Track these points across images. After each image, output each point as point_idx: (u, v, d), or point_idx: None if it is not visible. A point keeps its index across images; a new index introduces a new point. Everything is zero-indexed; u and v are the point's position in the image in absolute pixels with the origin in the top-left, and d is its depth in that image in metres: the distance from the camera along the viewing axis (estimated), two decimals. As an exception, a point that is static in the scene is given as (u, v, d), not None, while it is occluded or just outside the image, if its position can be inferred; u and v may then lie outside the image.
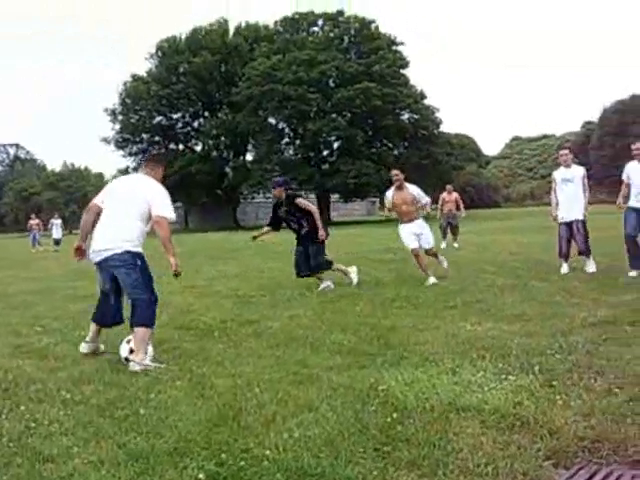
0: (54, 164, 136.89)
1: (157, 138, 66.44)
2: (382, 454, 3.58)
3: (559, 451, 3.51)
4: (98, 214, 6.45)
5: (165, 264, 6.37)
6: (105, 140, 64.86)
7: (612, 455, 3.46)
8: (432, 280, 10.66)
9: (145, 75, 65.31)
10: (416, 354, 5.76)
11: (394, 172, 10.92)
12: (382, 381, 4.89)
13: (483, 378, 4.84)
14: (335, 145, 58.54)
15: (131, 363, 5.87)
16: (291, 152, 59.24)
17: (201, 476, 3.36)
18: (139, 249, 6.33)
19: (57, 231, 34.65)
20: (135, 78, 64.82)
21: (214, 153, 64.77)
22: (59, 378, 5.60)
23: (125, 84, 64.67)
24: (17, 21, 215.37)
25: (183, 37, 64.62)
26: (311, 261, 10.84)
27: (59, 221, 35.64)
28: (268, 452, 3.62)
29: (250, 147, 64.00)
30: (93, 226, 6.42)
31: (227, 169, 64.54)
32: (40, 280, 15.24)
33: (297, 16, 61.62)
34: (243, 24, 65.49)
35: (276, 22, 63.56)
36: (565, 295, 8.69)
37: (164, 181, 6.97)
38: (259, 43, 60.15)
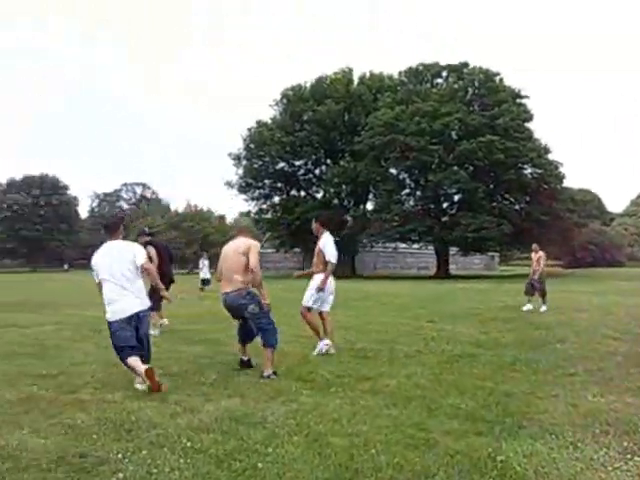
0: (178, 204, 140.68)
1: (279, 184, 67.47)
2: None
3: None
4: None
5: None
6: (229, 184, 66.33)
7: None
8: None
9: (270, 122, 66.66)
10: (535, 424, 5.64)
11: None
12: (500, 451, 4.81)
13: (607, 456, 4.69)
14: (455, 198, 57.95)
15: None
16: (411, 203, 59.00)
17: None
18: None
19: (205, 271, 33.78)
20: (260, 124, 66.18)
21: (335, 201, 65.26)
22: (179, 424, 5.72)
23: (250, 130, 66.16)
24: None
25: (308, 85, 65.75)
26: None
27: (207, 261, 34.80)
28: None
29: (370, 196, 64.21)
30: None
31: (348, 217, 64.87)
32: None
33: (421, 67, 61.76)
34: (367, 74, 66.01)
35: (400, 72, 63.78)
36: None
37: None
38: (382, 93, 60.47)
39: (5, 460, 4.72)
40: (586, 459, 4.63)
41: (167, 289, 11.30)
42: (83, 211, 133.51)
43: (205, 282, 32.65)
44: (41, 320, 15.57)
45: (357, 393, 6.98)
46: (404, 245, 61.95)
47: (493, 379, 7.74)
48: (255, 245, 8.38)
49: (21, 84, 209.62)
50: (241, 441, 5.19)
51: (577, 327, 13.38)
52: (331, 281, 10.12)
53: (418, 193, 58.51)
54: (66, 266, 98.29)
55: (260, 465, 4.55)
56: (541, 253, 18.89)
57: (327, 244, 10.04)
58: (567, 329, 13.05)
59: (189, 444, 5.10)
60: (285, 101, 66.29)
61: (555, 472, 4.36)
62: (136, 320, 7.38)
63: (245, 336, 8.72)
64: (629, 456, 4.69)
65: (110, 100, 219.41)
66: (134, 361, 7.17)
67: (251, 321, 8.38)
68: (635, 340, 11.19)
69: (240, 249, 8.33)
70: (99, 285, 7.53)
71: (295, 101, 64.16)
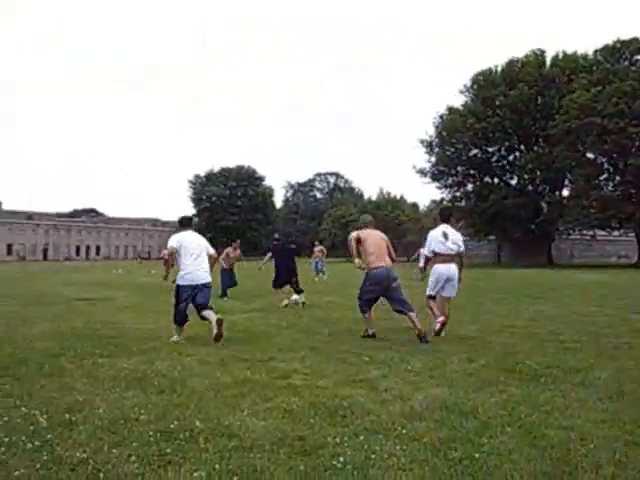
0: (371, 192, 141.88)
1: (472, 171, 66.85)
2: None
3: None
4: None
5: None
6: (421, 172, 66.38)
7: None
8: None
9: (461, 108, 66.01)
10: None
11: None
12: None
13: None
14: (660, 182, 55.20)
15: None
16: (610, 188, 56.75)
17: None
18: None
19: (423, 261, 33.02)
20: (451, 110, 65.76)
21: (529, 187, 63.93)
22: (391, 411, 5.79)
23: (442, 116, 65.84)
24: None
25: (498, 69, 64.54)
26: None
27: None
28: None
29: (566, 182, 62.33)
30: None
31: (542, 204, 63.33)
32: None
33: (618, 44, 58.99)
34: (560, 54, 63.97)
35: (595, 51, 61.42)
36: None
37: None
38: (577, 74, 58.36)
39: (231, 439, 4.97)
40: None
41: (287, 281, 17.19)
42: (278, 201, 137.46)
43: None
44: (245, 307, 16.26)
45: (567, 385, 6.81)
46: (603, 232, 59.63)
47: None
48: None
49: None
50: (454, 430, 5.20)
51: None
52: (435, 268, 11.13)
53: (617, 178, 56.25)
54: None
55: (476, 455, 4.54)
56: None
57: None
58: None
59: (404, 431, 5.15)
60: (475, 86, 65.51)
61: None
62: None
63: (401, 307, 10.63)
64: None
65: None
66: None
67: (396, 292, 10.63)
68: None
69: (384, 237, 11.13)
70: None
71: (486, 86, 63.36)
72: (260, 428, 5.27)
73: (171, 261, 11.47)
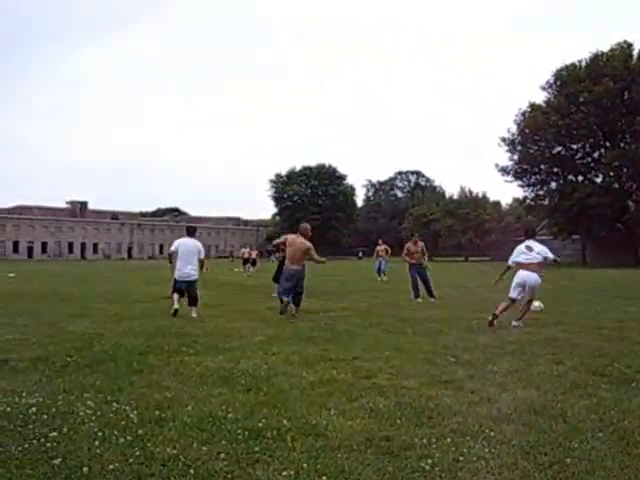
0: (452, 190, 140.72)
1: (555, 169, 65.72)
2: None
3: None
4: None
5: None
6: (504, 170, 65.55)
7: None
8: None
9: (543, 105, 64.91)
10: None
11: None
12: None
13: None
14: None
15: None
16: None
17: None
18: None
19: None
20: (534, 107, 64.72)
21: (615, 185, 62.45)
22: (478, 413, 5.75)
23: (524, 114, 64.86)
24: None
25: (583, 64, 63.19)
26: None
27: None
28: None
29: (655, 180, 60.73)
30: None
31: (629, 202, 61.83)
32: (444, 308, 15.94)
33: None
34: (648, 46, 62.15)
35: (687, 42, 59.70)
36: None
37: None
38: (667, 66, 56.81)
39: (318, 438, 5.00)
40: None
41: None
42: (359, 200, 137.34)
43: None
44: (329, 306, 16.31)
45: (652, 390, 6.66)
46: (693, 231, 57.97)
47: None
48: None
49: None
50: (543, 434, 5.12)
51: None
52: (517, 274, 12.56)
53: None
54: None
55: (568, 460, 4.46)
56: None
57: None
58: None
59: (492, 434, 5.10)
60: (559, 82, 64.32)
61: None
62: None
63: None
64: None
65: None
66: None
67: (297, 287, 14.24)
68: None
69: (305, 244, 14.51)
70: None
71: (569, 82, 62.06)
72: (347, 428, 5.29)
73: (170, 260, 14.50)
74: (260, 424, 5.31)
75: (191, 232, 14.68)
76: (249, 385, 6.81)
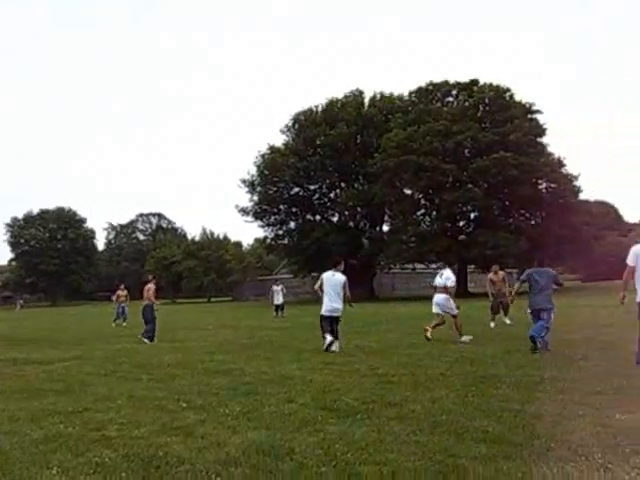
0: (194, 232, 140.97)
1: (294, 209, 67.50)
2: None
3: None
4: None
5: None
6: (244, 210, 66.35)
7: None
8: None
9: (282, 147, 66.73)
10: (564, 445, 5.61)
11: None
12: (530, 476, 4.80)
13: (638, 477, 4.67)
14: (471, 215, 58.01)
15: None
16: (427, 223, 58.91)
17: None
18: None
19: (278, 297, 34.08)
20: (273, 149, 66.23)
21: (350, 224, 65.34)
22: (206, 459, 5.69)
23: (263, 155, 66.21)
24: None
25: (319, 109, 65.85)
26: None
27: (280, 287, 34.87)
28: None
29: (386, 218, 64.20)
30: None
31: (363, 239, 64.90)
32: (182, 351, 15.72)
33: (431, 87, 61.77)
34: (378, 95, 66.15)
35: (410, 93, 63.96)
36: None
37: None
38: (394, 114, 60.43)
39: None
40: (618, 481, 4.61)
41: None
42: (100, 243, 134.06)
43: (279, 308, 33.88)
44: (63, 355, 15.59)
45: (383, 420, 6.96)
46: (422, 265, 61.78)
47: (519, 400, 7.71)
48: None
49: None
50: (270, 474, 5.17)
51: (602, 343, 13.35)
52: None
53: (434, 213, 58.47)
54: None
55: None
56: (503, 273, 21.85)
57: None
58: (592, 345, 13.04)
59: (218, 479, 5.09)
60: (297, 126, 66.46)
61: (587, 495, 4.34)
62: None
63: None
64: (661, 476, 4.67)
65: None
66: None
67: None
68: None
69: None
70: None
71: (307, 125, 64.31)
72: (69, 486, 5.04)
73: None
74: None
75: None
76: (-36, 448, 6.29)
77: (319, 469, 5.23)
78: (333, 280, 14.80)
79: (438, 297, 15.91)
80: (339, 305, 14.57)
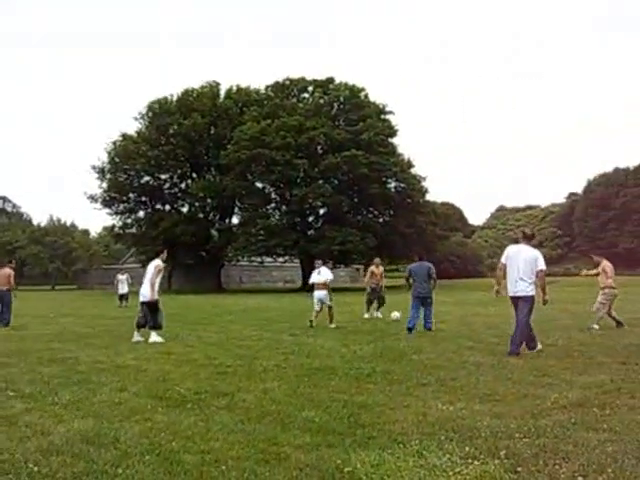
0: (41, 218, 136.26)
1: (144, 198, 66.39)
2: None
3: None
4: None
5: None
6: (92, 198, 64.66)
7: None
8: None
9: (135, 135, 65.46)
10: (385, 434, 5.79)
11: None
12: (348, 462, 4.92)
13: (449, 462, 4.88)
14: (321, 211, 58.79)
15: None
16: (277, 217, 59.21)
17: None
18: None
19: (123, 287, 32.95)
20: (125, 137, 64.88)
21: (200, 215, 64.82)
22: (27, 448, 5.54)
23: (115, 143, 64.74)
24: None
25: (174, 98, 64.99)
26: None
27: (125, 276, 33.75)
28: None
29: (236, 210, 64.11)
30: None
31: (213, 231, 64.58)
32: (18, 340, 15.11)
33: (288, 82, 62.30)
34: (234, 88, 65.87)
35: (267, 87, 64.15)
36: (538, 374, 8.77)
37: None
38: (249, 107, 60.56)
39: None
40: (429, 466, 4.80)
41: None
42: None
43: (123, 298, 32.77)
44: None
45: (213, 409, 6.97)
46: (270, 259, 62.09)
47: (348, 391, 7.89)
48: None
49: None
50: (91, 463, 5.08)
51: (435, 337, 13.82)
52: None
53: (284, 207, 58.91)
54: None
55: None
56: (382, 268, 22.09)
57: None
58: (425, 340, 13.47)
59: (36, 468, 4.95)
60: (151, 114, 65.35)
61: (400, 480, 4.48)
62: None
63: None
64: (470, 460, 4.91)
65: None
66: None
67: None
68: (487, 349, 11.67)
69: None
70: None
71: (161, 114, 63.37)
72: None
73: None
74: None
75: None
76: None
77: (142, 457, 5.19)
78: (148, 268, 14.93)
79: (319, 293, 17.86)
80: (145, 291, 14.48)
